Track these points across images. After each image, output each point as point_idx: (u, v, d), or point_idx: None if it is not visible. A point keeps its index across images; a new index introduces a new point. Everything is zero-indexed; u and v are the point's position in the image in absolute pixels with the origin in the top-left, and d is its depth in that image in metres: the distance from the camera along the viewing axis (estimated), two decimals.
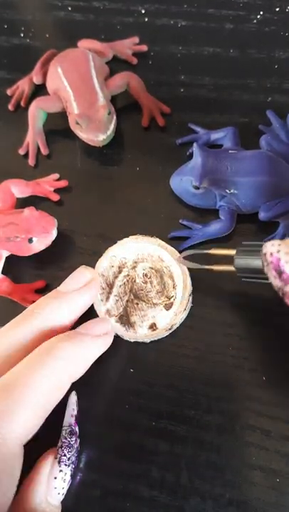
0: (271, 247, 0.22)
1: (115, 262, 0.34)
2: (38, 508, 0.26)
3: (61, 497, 0.27)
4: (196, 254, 0.32)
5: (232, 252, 0.27)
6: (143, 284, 0.33)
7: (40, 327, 0.28)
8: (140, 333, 0.32)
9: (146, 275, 0.33)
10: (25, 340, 0.28)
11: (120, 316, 0.32)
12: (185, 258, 0.32)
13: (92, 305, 0.33)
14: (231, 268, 0.28)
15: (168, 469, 0.29)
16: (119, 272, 0.33)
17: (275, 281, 0.21)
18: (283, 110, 0.39)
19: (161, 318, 0.32)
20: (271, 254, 0.22)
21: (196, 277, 0.33)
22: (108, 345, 0.30)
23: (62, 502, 0.28)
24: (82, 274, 0.31)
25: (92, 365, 0.28)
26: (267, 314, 0.32)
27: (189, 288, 0.33)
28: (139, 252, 0.34)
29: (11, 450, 0.23)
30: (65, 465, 0.27)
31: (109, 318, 0.32)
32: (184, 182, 0.35)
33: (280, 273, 0.21)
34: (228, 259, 0.28)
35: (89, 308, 0.32)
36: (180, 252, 0.34)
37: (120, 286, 0.33)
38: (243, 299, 0.33)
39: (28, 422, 0.24)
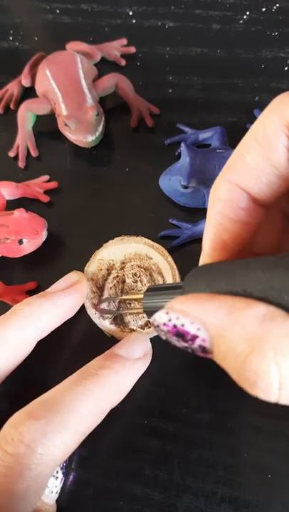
0: (160, 319, 0.21)
1: (103, 265, 0.34)
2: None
3: (55, 495, 0.27)
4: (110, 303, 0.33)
5: (140, 296, 0.27)
6: (133, 284, 0.33)
7: (22, 325, 0.28)
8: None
9: (135, 274, 0.33)
10: (5, 337, 0.28)
11: (114, 317, 0.32)
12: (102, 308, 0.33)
13: (83, 312, 0.33)
14: (140, 309, 0.28)
15: (160, 467, 0.30)
16: (108, 274, 0.33)
17: (180, 343, 0.21)
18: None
19: (154, 315, 0.32)
20: (164, 324, 0.21)
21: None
22: (147, 366, 0.29)
23: (56, 501, 0.28)
24: (70, 277, 0.32)
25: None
26: None
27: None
28: (125, 253, 0.34)
29: (46, 471, 0.23)
30: None
31: (135, 330, 0.32)
32: (173, 182, 0.35)
33: (181, 336, 0.20)
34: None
35: (80, 314, 0.32)
36: (168, 249, 0.34)
37: (111, 288, 0.33)
38: None
39: (67, 446, 0.24)
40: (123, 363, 0.27)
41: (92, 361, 0.28)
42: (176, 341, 0.21)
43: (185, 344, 0.20)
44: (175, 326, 0.20)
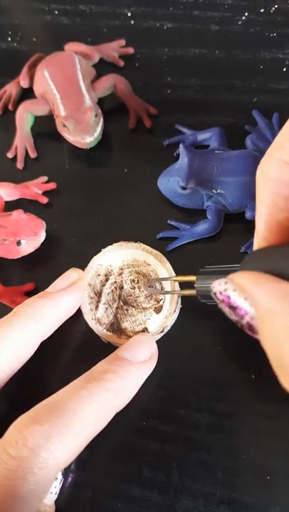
0: (218, 287, 0.22)
1: (101, 270, 0.34)
2: None
3: (54, 496, 0.27)
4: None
5: (193, 278, 0.28)
6: (131, 290, 0.33)
7: (23, 325, 0.28)
8: None
9: (133, 281, 0.33)
10: (8, 339, 0.28)
11: (111, 323, 0.32)
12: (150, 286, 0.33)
13: (82, 314, 0.33)
14: (193, 292, 0.28)
15: (159, 469, 0.30)
16: (106, 279, 0.33)
17: (231, 316, 0.22)
18: (268, 110, 0.39)
19: (152, 322, 0.32)
20: (220, 293, 0.22)
21: (185, 273, 0.33)
22: (152, 368, 0.29)
23: (55, 503, 0.28)
24: (69, 275, 0.32)
25: (84, 368, 0.28)
26: None
27: (177, 289, 0.33)
28: (124, 259, 0.34)
29: (48, 476, 0.23)
30: None
31: (149, 332, 0.32)
32: (171, 183, 0.35)
33: (233, 309, 0.21)
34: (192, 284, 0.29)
35: (79, 316, 0.32)
36: (167, 250, 0.35)
37: (108, 293, 0.33)
38: None
39: (70, 450, 0.24)
40: (128, 367, 0.27)
41: (97, 365, 0.28)
42: (228, 313, 0.22)
43: (235, 318, 0.22)
44: (229, 298, 0.21)
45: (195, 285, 0.27)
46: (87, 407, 0.25)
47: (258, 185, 0.23)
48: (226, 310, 0.22)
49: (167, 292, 0.32)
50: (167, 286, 0.33)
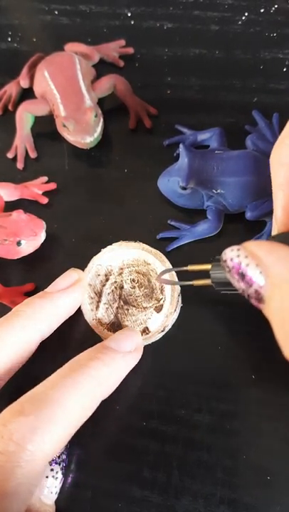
0: (231, 253, 0.22)
1: (101, 270, 0.34)
2: (32, 507, 0.26)
3: (54, 496, 0.27)
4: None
5: (208, 266, 0.28)
6: (131, 289, 0.33)
7: (22, 326, 0.28)
8: None
9: (133, 280, 0.33)
10: (8, 340, 0.28)
11: (112, 323, 0.32)
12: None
13: (83, 315, 0.33)
14: (208, 281, 0.28)
15: (159, 469, 0.30)
16: (106, 279, 0.33)
17: (239, 285, 0.22)
18: (269, 110, 0.39)
19: (152, 321, 0.32)
20: (231, 259, 0.22)
21: (184, 274, 0.33)
22: (137, 361, 0.29)
23: (55, 503, 0.28)
24: (69, 276, 0.32)
25: None
26: (256, 313, 0.32)
27: (177, 288, 0.33)
28: (124, 258, 0.34)
29: (36, 468, 0.23)
30: (56, 463, 0.27)
31: (136, 328, 0.32)
32: (171, 183, 0.35)
33: (242, 276, 0.21)
34: (206, 273, 0.28)
35: (79, 316, 0.32)
36: (167, 250, 0.35)
37: (109, 293, 0.33)
38: (232, 298, 0.33)
39: (57, 441, 0.24)
40: (113, 355, 0.27)
41: (82, 353, 0.28)
42: (236, 281, 0.22)
43: (243, 286, 0.22)
44: (240, 264, 0.21)
45: (210, 272, 0.27)
46: (72, 396, 0.24)
47: (273, 171, 0.23)
48: (235, 278, 0.22)
49: (182, 283, 0.31)
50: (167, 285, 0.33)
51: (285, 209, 0.23)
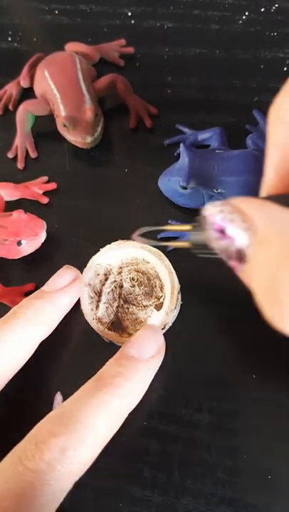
0: (213, 208, 0.20)
1: (100, 270, 0.34)
2: None
3: None
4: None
5: (188, 227, 0.26)
6: (131, 288, 0.33)
7: (23, 328, 0.28)
8: None
9: (133, 279, 0.33)
10: (8, 342, 0.28)
11: (112, 322, 0.32)
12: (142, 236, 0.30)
13: (83, 314, 0.33)
14: (186, 244, 0.26)
15: (159, 469, 0.30)
16: (106, 279, 0.33)
17: (218, 243, 0.19)
18: (269, 110, 0.39)
19: (153, 320, 0.32)
20: (213, 215, 0.20)
21: (183, 275, 0.33)
22: (160, 363, 0.29)
23: None
24: (65, 274, 0.32)
25: (84, 368, 0.28)
26: (256, 312, 0.32)
27: (177, 286, 0.33)
28: (123, 257, 0.34)
29: (63, 486, 0.24)
30: None
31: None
32: (172, 182, 0.35)
33: (223, 232, 0.19)
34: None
35: (79, 316, 0.32)
36: (167, 250, 0.34)
37: (108, 292, 0.33)
38: (231, 296, 0.33)
39: (85, 462, 0.24)
40: (136, 367, 0.27)
41: (105, 367, 0.27)
42: (216, 239, 0.20)
43: (223, 244, 0.19)
44: (223, 220, 0.19)
45: (189, 233, 0.25)
46: (100, 418, 0.25)
47: (271, 127, 0.21)
48: (214, 235, 0.20)
49: (158, 244, 0.30)
50: (165, 278, 0.33)
51: (278, 170, 0.21)
